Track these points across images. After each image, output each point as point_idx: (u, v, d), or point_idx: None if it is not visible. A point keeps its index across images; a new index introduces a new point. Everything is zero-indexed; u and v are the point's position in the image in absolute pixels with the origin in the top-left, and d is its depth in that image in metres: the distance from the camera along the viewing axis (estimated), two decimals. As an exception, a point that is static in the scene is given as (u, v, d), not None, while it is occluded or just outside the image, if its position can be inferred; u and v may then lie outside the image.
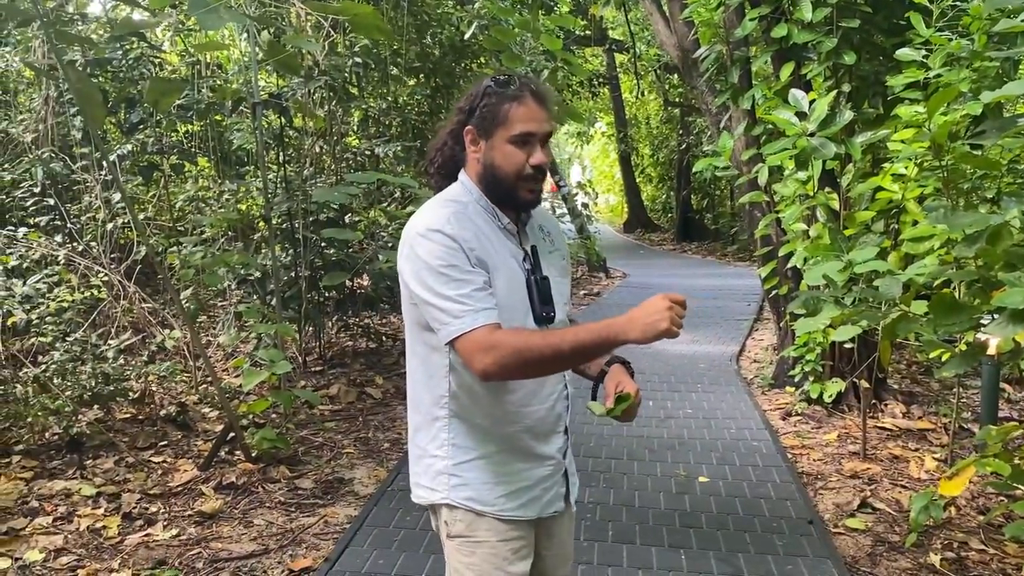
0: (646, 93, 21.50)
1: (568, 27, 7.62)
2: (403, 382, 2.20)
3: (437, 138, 2.00)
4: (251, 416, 5.17)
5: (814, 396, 5.66)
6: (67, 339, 4.96)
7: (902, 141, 3.79)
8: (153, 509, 4.15)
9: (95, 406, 5.14)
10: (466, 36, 6.70)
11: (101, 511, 4.10)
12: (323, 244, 6.43)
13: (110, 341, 5.45)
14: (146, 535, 3.88)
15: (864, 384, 5.09)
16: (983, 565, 3.52)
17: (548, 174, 1.91)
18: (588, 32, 15.95)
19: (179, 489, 4.40)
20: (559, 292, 1.95)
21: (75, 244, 6.20)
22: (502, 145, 1.82)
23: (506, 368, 1.70)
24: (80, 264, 6.02)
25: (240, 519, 4.08)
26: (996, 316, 2.34)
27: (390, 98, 8.05)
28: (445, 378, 1.87)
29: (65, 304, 5.27)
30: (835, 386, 5.54)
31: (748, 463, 4.79)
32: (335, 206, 6.34)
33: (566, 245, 2.13)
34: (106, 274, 5.95)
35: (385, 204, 7.72)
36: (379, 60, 7.25)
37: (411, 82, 8.49)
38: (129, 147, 5.93)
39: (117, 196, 5.98)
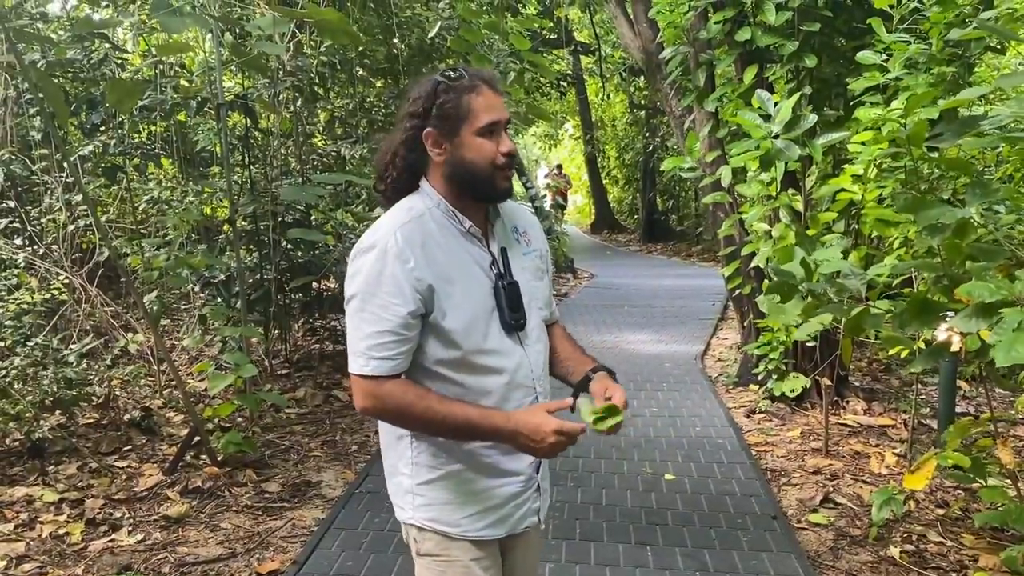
0: (612, 95, 21.60)
1: (535, 28, 7.64)
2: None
3: (384, 151, 1.89)
4: (217, 420, 5.13)
5: (777, 394, 5.73)
6: (28, 343, 4.88)
7: (862, 143, 3.87)
8: (117, 514, 4.10)
9: (57, 411, 5.05)
10: (430, 35, 6.69)
11: (64, 517, 4.04)
12: (289, 246, 6.39)
13: (72, 345, 5.36)
14: (110, 540, 3.84)
15: (826, 381, 5.18)
16: (941, 557, 3.60)
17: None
18: (553, 35, 16.01)
19: (144, 494, 4.35)
20: (532, 296, 1.90)
21: (35, 247, 6.10)
22: (471, 139, 1.76)
23: (382, 418, 1.87)
24: (40, 267, 5.92)
25: (206, 523, 4.05)
26: (951, 314, 2.39)
27: (357, 99, 8.02)
28: None
29: (25, 307, 5.18)
30: (798, 382, 5.61)
31: (713, 460, 4.84)
32: (301, 208, 6.31)
33: (545, 242, 2.05)
34: (67, 277, 5.86)
35: (352, 206, 7.69)
36: (345, 61, 7.22)
37: (378, 83, 8.46)
38: (91, 148, 5.84)
39: (78, 198, 5.90)
